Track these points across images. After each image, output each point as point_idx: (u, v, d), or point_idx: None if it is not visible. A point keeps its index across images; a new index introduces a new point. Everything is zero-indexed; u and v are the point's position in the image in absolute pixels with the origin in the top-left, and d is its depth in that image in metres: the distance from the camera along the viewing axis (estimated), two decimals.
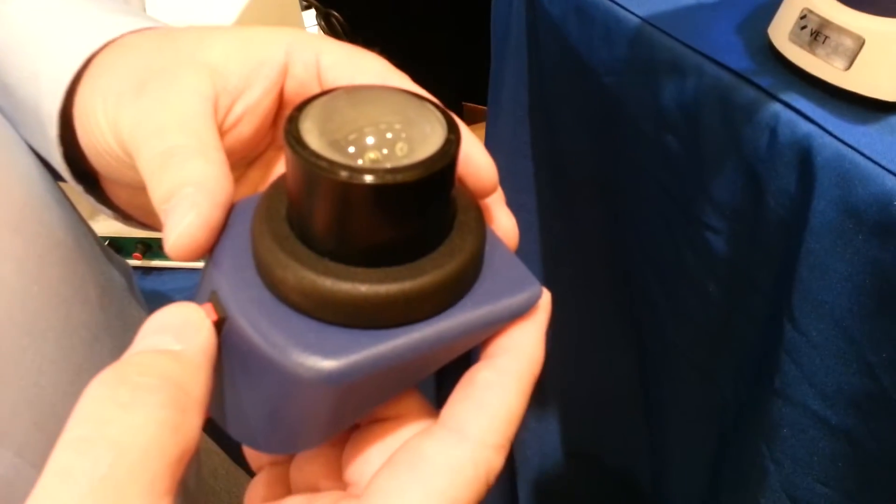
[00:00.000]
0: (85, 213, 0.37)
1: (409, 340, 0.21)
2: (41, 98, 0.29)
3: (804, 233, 0.45)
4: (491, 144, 0.82)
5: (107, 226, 0.93)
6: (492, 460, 0.21)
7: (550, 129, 0.74)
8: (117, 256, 0.41)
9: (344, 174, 0.19)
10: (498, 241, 0.25)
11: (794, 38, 0.46)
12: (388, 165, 0.20)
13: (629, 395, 0.78)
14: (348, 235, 0.21)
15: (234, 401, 0.23)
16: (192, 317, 0.21)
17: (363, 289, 0.20)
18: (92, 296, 0.34)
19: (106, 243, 0.94)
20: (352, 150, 0.21)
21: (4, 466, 0.27)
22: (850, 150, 0.41)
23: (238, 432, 0.24)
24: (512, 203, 0.83)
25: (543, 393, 0.93)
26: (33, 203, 0.31)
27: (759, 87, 0.47)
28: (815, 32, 0.45)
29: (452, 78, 1.75)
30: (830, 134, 0.43)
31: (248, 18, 0.87)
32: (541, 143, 0.77)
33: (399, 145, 0.21)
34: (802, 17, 0.45)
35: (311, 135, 0.21)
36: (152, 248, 0.95)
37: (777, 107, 0.46)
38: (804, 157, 0.44)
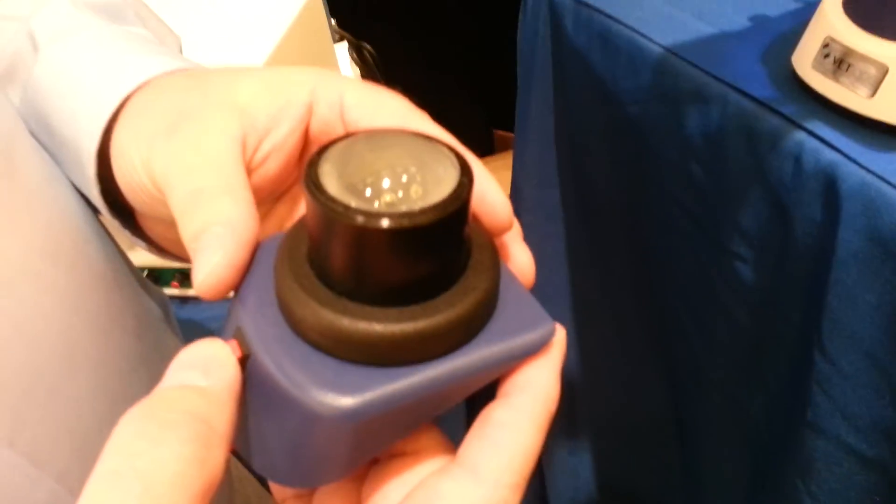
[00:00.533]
0: (123, 245, 0.38)
1: (423, 378, 0.21)
2: (80, 137, 0.30)
3: (832, 262, 0.44)
4: (518, 172, 0.82)
5: (145, 256, 0.95)
6: (508, 499, 0.21)
7: (577, 157, 0.75)
8: (154, 287, 0.42)
9: (359, 219, 0.20)
10: (513, 278, 0.25)
11: (818, 66, 0.46)
12: (403, 209, 0.20)
13: (662, 428, 0.77)
14: (364, 276, 0.21)
15: (257, 435, 0.23)
16: (219, 353, 0.21)
17: (379, 328, 0.21)
18: (129, 326, 0.35)
19: (144, 273, 0.96)
20: (368, 193, 0.22)
21: (45, 492, 0.28)
22: (875, 178, 0.41)
23: (261, 466, 0.24)
24: (541, 231, 0.83)
25: (575, 425, 0.93)
26: (73, 236, 0.32)
27: (783, 116, 0.47)
28: (839, 61, 0.44)
29: (483, 106, 1.77)
30: (855, 162, 0.42)
31: (282, 51, 0.89)
32: (567, 171, 0.77)
33: (414, 188, 0.22)
34: (825, 46, 0.45)
35: (330, 178, 0.21)
36: (188, 276, 0.96)
37: (801, 135, 0.46)
38: (829, 185, 0.43)
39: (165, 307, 0.42)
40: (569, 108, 0.73)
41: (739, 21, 0.58)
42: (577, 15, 0.66)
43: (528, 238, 0.87)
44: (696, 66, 0.54)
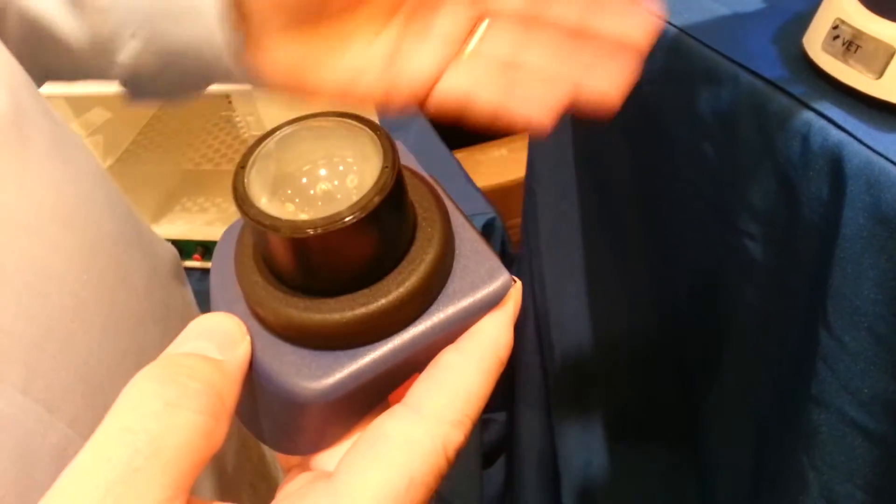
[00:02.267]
0: (147, 217, 0.40)
1: (384, 353, 0.23)
2: None
3: (836, 239, 0.45)
4: (534, 152, 0.83)
5: (169, 229, 0.98)
6: (449, 434, 0.22)
7: (591, 137, 0.76)
8: (164, 242, 0.43)
9: (286, 231, 0.21)
10: (468, 230, 0.25)
11: (827, 47, 0.47)
12: (330, 211, 0.21)
13: (673, 403, 0.78)
14: (308, 275, 0.23)
15: (248, 404, 0.25)
16: (235, 331, 0.23)
17: (335, 317, 0.22)
18: (137, 284, 0.37)
19: None
20: (297, 191, 0.22)
21: (58, 436, 0.29)
22: (879, 157, 0.42)
23: (254, 430, 0.26)
24: (556, 210, 0.84)
25: (588, 401, 0.94)
26: (83, 198, 0.34)
27: (792, 96, 0.48)
28: (848, 42, 0.45)
29: None
30: (860, 142, 0.43)
31: None
32: (582, 150, 0.78)
33: (349, 177, 0.23)
34: (835, 28, 0.46)
35: (260, 181, 0.22)
36: (211, 250, 0.99)
37: (809, 115, 0.47)
38: (835, 164, 0.44)
39: (174, 262, 0.43)
40: None
41: (753, 2, 0.59)
42: None
43: (543, 216, 0.88)
44: (708, 46, 0.55)
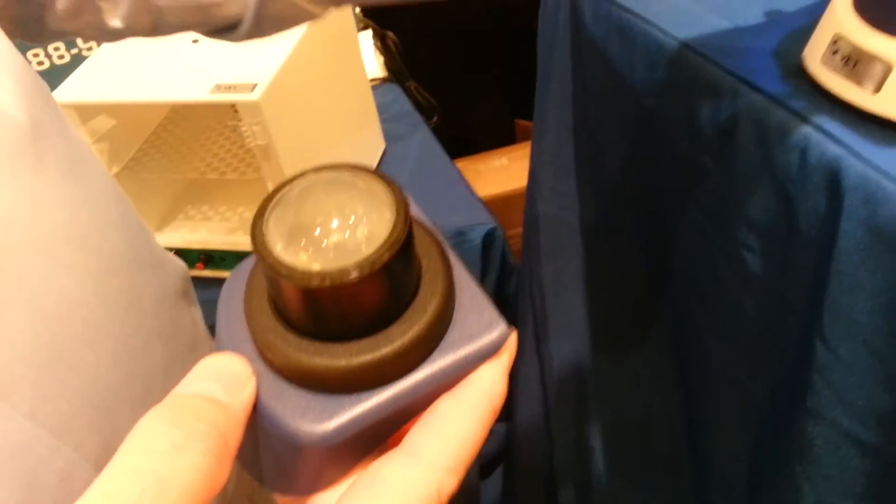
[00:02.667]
0: (153, 225, 0.40)
1: (386, 399, 0.23)
2: None
3: (833, 252, 0.46)
4: (536, 161, 0.84)
5: (172, 237, 0.99)
6: (443, 481, 0.23)
7: (593, 148, 0.76)
8: (174, 259, 0.43)
9: (299, 280, 0.22)
10: (468, 280, 0.26)
11: (827, 62, 0.48)
12: (343, 264, 0.22)
13: (672, 413, 0.78)
14: (318, 321, 0.23)
15: (247, 444, 0.26)
16: (241, 373, 0.23)
17: (341, 363, 0.23)
18: (147, 305, 0.37)
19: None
20: (312, 242, 0.23)
21: (64, 461, 0.29)
22: (876, 172, 0.42)
23: (252, 472, 0.27)
24: (557, 220, 0.84)
25: (586, 411, 0.94)
26: (97, 219, 0.34)
27: (791, 110, 0.49)
28: (846, 57, 0.46)
29: (507, 96, 1.78)
30: (858, 156, 0.44)
31: (307, 39, 0.91)
32: (584, 161, 0.79)
33: (360, 228, 0.23)
34: (834, 43, 0.47)
35: (278, 229, 0.23)
36: (214, 259, 0.99)
37: (808, 129, 0.47)
38: (833, 178, 0.45)
39: (184, 279, 0.44)
40: (586, 100, 0.75)
41: (755, 16, 0.60)
42: (596, 7, 0.68)
43: (544, 226, 0.89)
44: (710, 60, 0.56)
